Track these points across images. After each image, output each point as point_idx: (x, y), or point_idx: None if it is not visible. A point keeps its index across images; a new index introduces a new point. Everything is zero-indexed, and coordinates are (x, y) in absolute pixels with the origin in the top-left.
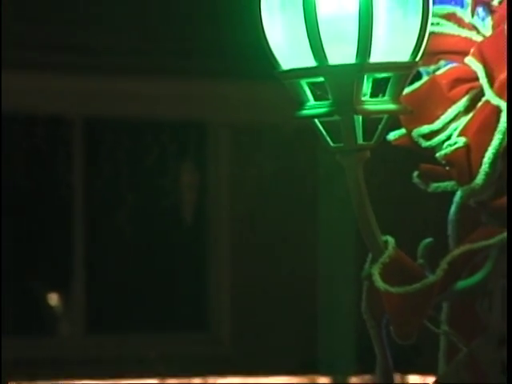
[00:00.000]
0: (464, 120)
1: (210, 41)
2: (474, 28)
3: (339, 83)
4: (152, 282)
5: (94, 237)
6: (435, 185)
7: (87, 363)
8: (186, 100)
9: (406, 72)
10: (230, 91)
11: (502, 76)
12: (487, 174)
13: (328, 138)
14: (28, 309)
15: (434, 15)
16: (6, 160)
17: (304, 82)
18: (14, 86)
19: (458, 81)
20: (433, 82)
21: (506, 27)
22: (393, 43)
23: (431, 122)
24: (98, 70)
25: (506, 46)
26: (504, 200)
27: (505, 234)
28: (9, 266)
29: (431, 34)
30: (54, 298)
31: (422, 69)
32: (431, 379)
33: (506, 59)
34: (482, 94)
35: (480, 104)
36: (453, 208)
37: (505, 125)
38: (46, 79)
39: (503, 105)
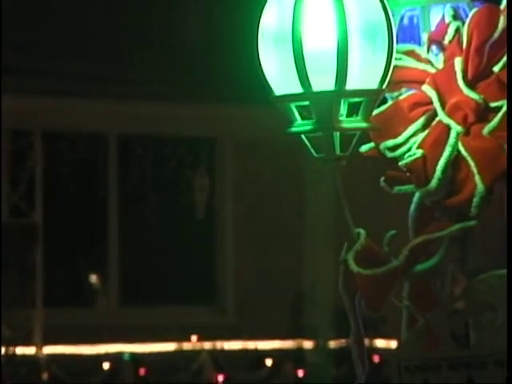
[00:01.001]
0: (421, 136)
1: (218, 73)
2: (429, 62)
3: (321, 106)
4: (171, 264)
5: (126, 228)
6: (398, 188)
7: (119, 329)
8: (199, 121)
9: (374, 97)
10: (233, 113)
11: (452, 101)
12: (440, 179)
13: (312, 150)
14: (73, 285)
15: (397, 52)
16: (58, 167)
17: (293, 105)
18: (65, 109)
19: (416, 104)
20: (396, 105)
21: (455, 61)
22: (364, 74)
23: (395, 137)
24: (129, 97)
25: (455, 77)
26: (453, 200)
27: (454, 227)
28: (59, 251)
29: (395, 66)
30: (93, 277)
31: (387, 94)
32: (394, 343)
33: (455, 87)
34: (435, 115)
35: (434, 123)
36: (412, 206)
37: (454, 140)
38: (88, 104)
39: (453, 124)
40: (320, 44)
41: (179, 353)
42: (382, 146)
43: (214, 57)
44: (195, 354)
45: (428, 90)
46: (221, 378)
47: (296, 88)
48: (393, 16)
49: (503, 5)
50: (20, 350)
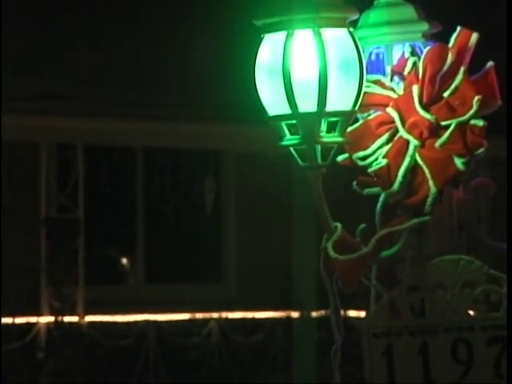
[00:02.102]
0: (386, 148)
1: (222, 98)
2: (392, 89)
3: (306, 124)
4: (185, 250)
5: (149, 222)
6: (367, 190)
7: (145, 302)
8: (207, 137)
9: (348, 117)
10: (235, 131)
11: (410, 120)
12: (401, 183)
13: (299, 160)
14: (108, 267)
15: (367, 81)
16: (96, 174)
17: (283, 124)
18: (102, 128)
19: (381, 123)
20: (366, 123)
21: (413, 89)
22: (340, 98)
23: (365, 149)
24: (152, 118)
25: (413, 101)
26: (411, 199)
27: (412, 221)
28: (97, 240)
29: (365, 93)
30: (124, 260)
31: (358, 115)
32: (364, 314)
33: (413, 109)
34: (397, 131)
35: (396, 138)
36: (379, 205)
37: (412, 151)
38: (120, 124)
39: (411, 139)
40: (305, 74)
41: (192, 321)
42: (355, 156)
43: (219, 85)
44: (205, 322)
45: (391, 111)
46: (225, 341)
47: (285, 110)
48: (363, 52)
49: (451, 43)
50: (66, 319)
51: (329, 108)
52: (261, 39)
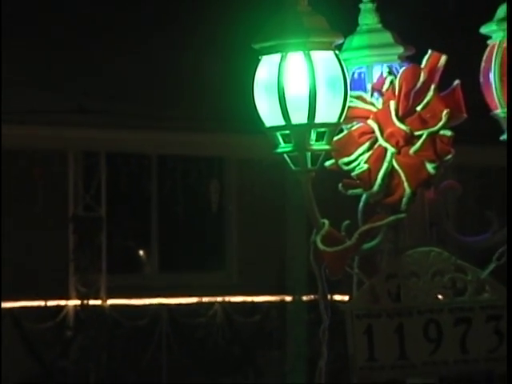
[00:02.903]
0: (367, 155)
1: (225, 111)
2: (372, 104)
3: (297, 134)
4: (194, 243)
5: (162, 219)
6: (351, 191)
7: (159, 288)
8: (212, 145)
9: (335, 128)
10: (236, 140)
11: (388, 131)
12: (380, 185)
13: (291, 165)
14: (126, 257)
15: (350, 96)
16: (116, 177)
17: (278, 134)
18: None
19: (363, 133)
20: (349, 133)
21: (390, 103)
22: (327, 112)
23: (349, 156)
24: (164, 129)
25: (390, 114)
26: (388, 199)
27: (389, 218)
28: (117, 234)
29: (349, 107)
30: (141, 251)
31: (343, 126)
32: (347, 298)
33: (390, 121)
34: (376, 140)
35: (376, 146)
36: (361, 204)
37: (389, 158)
38: (137, 134)
39: (389, 147)
40: (297, 91)
41: (199, 304)
42: (340, 161)
43: (222, 100)
44: (210, 305)
45: (371, 123)
46: (228, 321)
47: (280, 121)
48: (347, 72)
49: (423, 64)
50: (91, 302)
51: (317, 120)
52: (259, 60)
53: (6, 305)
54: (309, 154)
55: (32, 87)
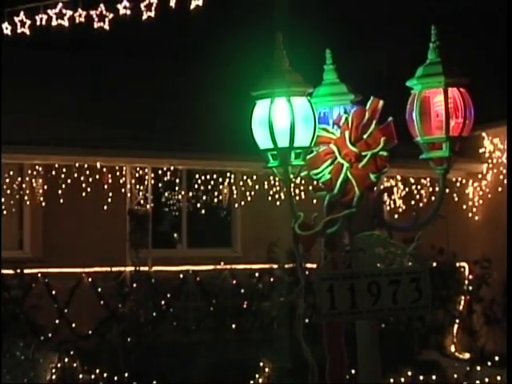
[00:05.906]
0: (329, 168)
1: (232, 140)
2: (333, 133)
3: (282, 154)
4: (211, 228)
5: (190, 212)
6: (319, 193)
7: (187, 259)
8: (224, 162)
9: (308, 150)
10: (240, 159)
11: (344, 152)
12: (338, 189)
13: (278, 175)
14: (165, 238)
15: (318, 128)
16: (158, 185)
17: (268, 154)
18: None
19: (327, 154)
20: (318, 153)
21: (345, 133)
22: (302, 138)
23: (317, 169)
24: (190, 151)
25: (345, 140)
26: (344, 199)
27: (345, 212)
28: (158, 222)
29: (317, 135)
30: (176, 234)
31: (314, 148)
32: (315, 265)
33: (346, 145)
34: (336, 158)
35: (336, 162)
36: (325, 202)
37: (345, 170)
38: (172, 154)
39: (345, 163)
40: (281, 124)
41: (215, 270)
42: (311, 173)
43: (230, 132)
44: (222, 271)
45: (333, 146)
46: (234, 281)
47: (270, 145)
48: (316, 111)
49: (367, 106)
50: (142, 269)
51: (296, 144)
52: (255, 103)
53: (85, 270)
54: (290, 167)
55: (106, 126)
